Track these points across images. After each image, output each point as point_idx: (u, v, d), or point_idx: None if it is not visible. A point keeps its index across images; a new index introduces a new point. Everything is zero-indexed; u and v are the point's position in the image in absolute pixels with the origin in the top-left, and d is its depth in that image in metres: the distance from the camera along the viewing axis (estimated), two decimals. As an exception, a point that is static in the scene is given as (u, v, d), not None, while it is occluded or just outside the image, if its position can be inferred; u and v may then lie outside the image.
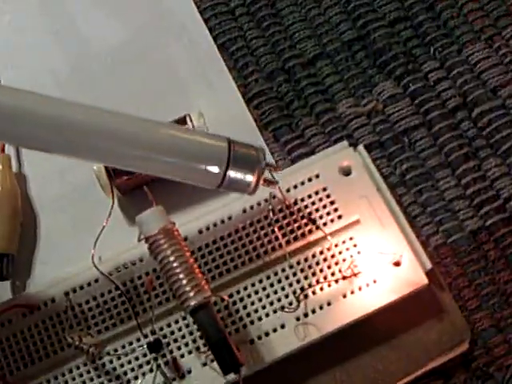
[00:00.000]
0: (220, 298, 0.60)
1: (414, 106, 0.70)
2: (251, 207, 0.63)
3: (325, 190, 0.63)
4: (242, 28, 0.73)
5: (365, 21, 0.73)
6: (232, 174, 0.53)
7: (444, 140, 0.68)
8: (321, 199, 0.63)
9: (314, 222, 0.62)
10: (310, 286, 0.60)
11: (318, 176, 0.64)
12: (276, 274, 0.61)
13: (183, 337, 0.60)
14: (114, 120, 0.52)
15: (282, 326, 0.60)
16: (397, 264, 0.61)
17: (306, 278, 0.61)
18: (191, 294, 0.55)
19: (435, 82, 0.71)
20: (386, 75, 0.71)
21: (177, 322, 0.60)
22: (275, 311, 0.60)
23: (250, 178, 0.54)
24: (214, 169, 0.53)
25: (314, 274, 0.61)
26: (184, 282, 0.55)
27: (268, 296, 0.61)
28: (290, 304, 0.60)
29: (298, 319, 0.60)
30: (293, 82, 0.71)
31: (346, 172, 0.64)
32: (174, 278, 0.55)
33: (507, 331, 0.63)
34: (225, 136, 0.55)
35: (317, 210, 0.63)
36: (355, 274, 0.60)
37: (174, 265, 0.55)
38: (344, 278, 0.60)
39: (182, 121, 0.64)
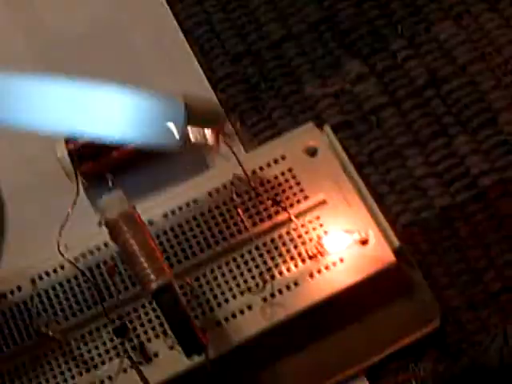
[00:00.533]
0: (182, 280, 0.59)
1: (382, 85, 0.69)
2: (216, 190, 0.62)
3: (290, 170, 0.62)
4: (208, 12, 0.72)
5: (331, 1, 0.72)
6: (191, 128, 0.53)
7: (412, 118, 0.67)
8: (287, 180, 0.62)
9: (278, 203, 0.61)
10: (276, 266, 0.59)
11: (283, 157, 0.63)
12: (242, 256, 0.60)
13: (150, 321, 0.59)
14: None
15: (249, 308, 0.59)
16: (364, 242, 0.60)
17: (272, 259, 0.60)
18: (152, 276, 0.53)
19: (403, 60, 0.70)
20: (353, 55, 0.70)
21: (143, 306, 0.59)
22: (242, 293, 0.59)
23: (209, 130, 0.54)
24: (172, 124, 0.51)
25: (280, 255, 0.60)
26: (145, 265, 0.53)
27: (234, 278, 0.60)
28: (257, 286, 0.59)
29: (264, 300, 0.59)
30: (259, 64, 0.70)
31: (312, 152, 0.63)
32: (134, 261, 0.54)
33: (479, 308, 0.62)
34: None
35: (283, 191, 0.62)
36: (322, 254, 0.59)
37: (135, 248, 0.54)
38: (310, 257, 0.59)
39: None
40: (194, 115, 0.52)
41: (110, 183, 0.57)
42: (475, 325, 0.62)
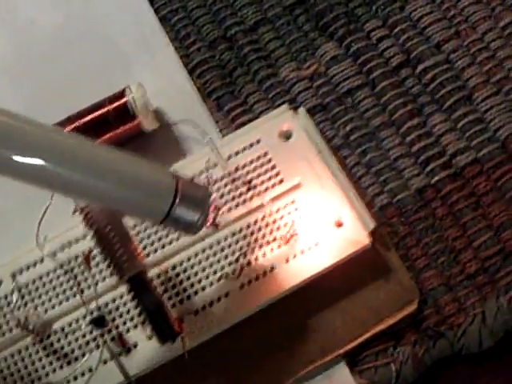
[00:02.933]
0: (156, 267, 0.56)
1: (357, 66, 0.65)
2: (192, 177, 0.57)
3: (266, 154, 0.59)
4: (184, -1, 0.67)
5: (305, -16, 0.67)
6: (177, 211, 0.47)
7: (388, 98, 0.63)
8: (262, 164, 0.58)
9: (249, 189, 0.57)
10: (252, 252, 0.56)
11: (258, 141, 0.59)
12: (219, 242, 0.56)
13: (128, 311, 0.56)
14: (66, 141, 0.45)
15: (226, 295, 0.55)
16: (339, 225, 0.56)
17: (248, 244, 0.56)
18: (126, 264, 0.51)
19: (378, 40, 0.65)
20: (327, 37, 0.66)
21: (121, 296, 0.56)
22: (219, 280, 0.56)
23: (195, 217, 0.48)
24: (159, 204, 0.47)
25: (256, 241, 0.56)
26: (119, 253, 0.52)
27: (211, 265, 0.56)
28: (234, 272, 0.56)
29: (241, 287, 0.56)
30: (235, 49, 0.66)
31: (287, 136, 0.59)
32: (109, 248, 0.52)
33: (457, 289, 0.58)
34: (174, 172, 0.48)
35: (258, 176, 0.58)
36: (296, 238, 0.55)
37: (109, 235, 0.52)
38: (286, 242, 0.55)
39: (120, 93, 0.59)
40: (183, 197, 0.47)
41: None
42: (453, 307, 0.58)
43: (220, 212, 0.55)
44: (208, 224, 0.50)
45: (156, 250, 0.56)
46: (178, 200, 0.46)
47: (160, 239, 0.56)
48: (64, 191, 0.45)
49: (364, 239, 0.56)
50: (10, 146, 0.41)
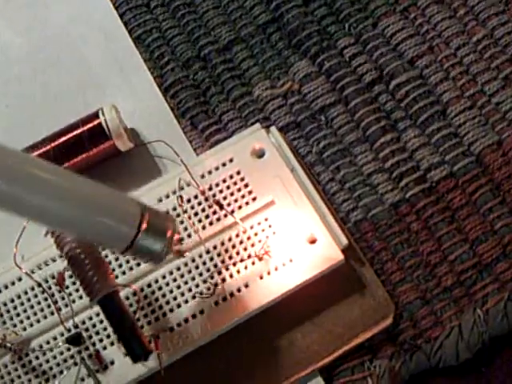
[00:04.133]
0: (127, 287, 0.62)
1: (330, 84, 0.71)
2: (166, 196, 0.65)
3: (239, 173, 0.65)
4: (157, 19, 0.75)
5: (278, 2, 0.74)
6: (141, 242, 0.52)
7: (361, 115, 0.70)
8: (235, 183, 0.65)
9: (223, 207, 0.63)
10: (226, 269, 0.62)
11: (231, 160, 0.65)
12: (193, 260, 0.63)
13: (105, 329, 0.62)
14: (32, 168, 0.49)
15: (201, 312, 0.62)
16: (312, 242, 0.62)
17: (222, 262, 0.62)
18: (97, 285, 0.55)
19: (350, 57, 0.72)
20: (301, 55, 0.73)
21: (98, 314, 0.62)
22: (194, 297, 0.62)
23: (159, 247, 0.53)
24: (124, 235, 0.52)
25: (230, 258, 0.62)
26: (90, 273, 0.56)
27: (186, 283, 0.62)
28: (209, 289, 0.62)
29: (216, 303, 0.62)
30: (209, 68, 0.73)
31: (259, 154, 0.65)
32: (79, 269, 0.56)
33: (433, 303, 0.64)
34: (140, 202, 0.53)
35: (231, 194, 0.64)
36: (270, 255, 0.62)
37: (80, 257, 0.56)
38: (260, 259, 0.62)
39: (94, 115, 0.66)
40: (148, 227, 0.52)
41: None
42: (429, 320, 0.64)
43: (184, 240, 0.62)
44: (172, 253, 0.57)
45: (131, 268, 0.62)
46: (142, 230, 0.51)
47: (134, 258, 0.63)
48: (29, 217, 0.49)
49: (338, 255, 0.61)
50: None
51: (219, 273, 0.62)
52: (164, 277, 0.62)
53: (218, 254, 0.62)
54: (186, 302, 0.62)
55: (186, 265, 0.62)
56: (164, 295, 0.62)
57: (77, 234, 0.54)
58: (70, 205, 0.49)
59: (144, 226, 0.51)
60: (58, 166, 0.50)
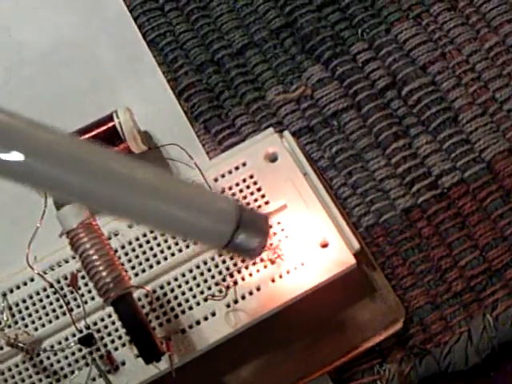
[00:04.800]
0: (141, 289, 0.62)
1: (343, 89, 0.72)
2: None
3: (252, 177, 0.66)
4: (171, 23, 0.76)
5: (292, 7, 0.75)
6: (239, 239, 0.53)
7: (373, 120, 0.71)
8: (248, 187, 0.65)
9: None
10: (239, 272, 0.63)
11: (244, 164, 0.66)
12: (205, 262, 0.64)
13: (116, 330, 0.63)
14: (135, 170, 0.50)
15: (213, 314, 0.62)
16: (324, 246, 0.63)
17: (235, 264, 0.63)
18: (111, 285, 0.56)
19: (363, 63, 0.73)
20: (314, 60, 0.74)
21: (110, 316, 0.63)
22: (206, 300, 0.63)
23: (255, 244, 0.54)
24: (223, 233, 0.53)
25: (243, 261, 0.63)
26: (104, 274, 0.56)
27: (198, 285, 0.63)
28: (220, 292, 0.63)
29: (228, 306, 0.62)
30: (222, 73, 0.74)
31: (272, 159, 0.66)
32: (93, 270, 0.57)
33: (443, 308, 0.65)
34: (235, 201, 0.55)
35: (244, 198, 0.65)
36: (282, 258, 0.62)
37: (94, 258, 0.57)
38: (272, 262, 0.62)
39: (109, 117, 0.67)
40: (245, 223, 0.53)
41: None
42: (439, 325, 0.65)
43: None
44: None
45: (144, 271, 0.63)
46: (239, 228, 0.52)
47: (148, 260, 0.63)
48: (132, 219, 0.52)
49: (349, 259, 0.62)
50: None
51: (231, 275, 0.63)
52: (176, 279, 0.63)
53: (231, 257, 0.63)
54: (198, 304, 0.63)
55: (198, 267, 0.63)
56: (176, 297, 0.63)
57: (179, 234, 0.56)
58: (172, 205, 0.50)
59: (241, 224, 0.52)
60: (157, 169, 0.51)
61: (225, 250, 0.53)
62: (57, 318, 0.64)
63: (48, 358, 0.63)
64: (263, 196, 0.65)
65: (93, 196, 0.47)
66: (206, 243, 0.57)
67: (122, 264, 0.64)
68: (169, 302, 0.63)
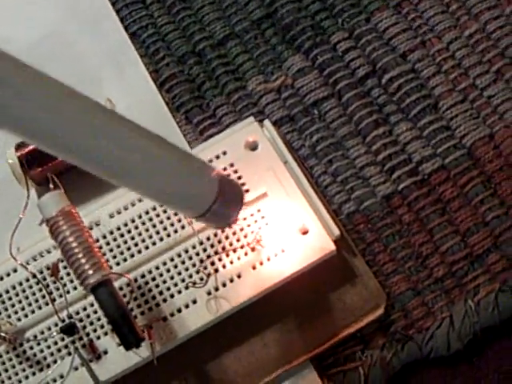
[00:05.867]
0: (122, 276, 0.63)
1: (323, 78, 0.73)
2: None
3: (232, 165, 0.67)
4: (153, 15, 0.77)
5: (273, -3, 0.76)
6: (217, 208, 0.53)
7: (354, 109, 0.71)
8: (229, 175, 0.66)
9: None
10: (219, 260, 0.64)
11: (225, 153, 0.67)
12: (186, 251, 0.64)
13: (99, 319, 0.64)
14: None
15: (194, 302, 0.63)
16: (305, 233, 0.64)
17: (216, 253, 0.64)
18: (90, 272, 0.57)
19: (343, 52, 0.74)
20: (294, 50, 0.74)
21: (92, 305, 0.64)
22: (187, 287, 0.63)
23: (231, 212, 0.55)
24: (203, 202, 0.53)
25: (223, 249, 0.64)
26: (83, 261, 0.57)
27: (179, 273, 0.64)
28: (202, 279, 0.63)
29: (209, 293, 0.63)
30: (204, 63, 0.75)
31: (253, 147, 0.67)
32: (73, 258, 0.58)
33: (425, 293, 0.66)
34: (213, 169, 0.54)
35: (225, 186, 0.66)
36: (263, 245, 0.63)
37: (73, 245, 0.58)
38: (253, 249, 0.63)
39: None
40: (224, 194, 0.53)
41: (51, 184, 0.61)
42: (421, 311, 0.65)
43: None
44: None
45: (126, 260, 0.64)
46: (218, 198, 0.53)
47: (129, 249, 0.64)
48: (121, 182, 0.50)
49: (329, 246, 0.63)
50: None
51: (212, 263, 0.64)
52: (158, 267, 0.64)
53: (211, 245, 0.64)
54: (180, 292, 0.63)
55: (179, 255, 0.64)
56: (157, 285, 0.64)
57: (155, 199, 0.55)
58: (155, 170, 0.50)
59: (220, 193, 0.53)
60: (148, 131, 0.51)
61: (200, 218, 0.53)
62: (39, 308, 0.65)
63: (31, 347, 0.64)
64: (244, 184, 0.66)
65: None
66: (183, 212, 0.58)
67: (104, 253, 0.65)
68: (150, 290, 0.64)
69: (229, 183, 0.54)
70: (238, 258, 0.64)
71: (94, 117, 0.47)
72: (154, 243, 0.65)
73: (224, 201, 0.53)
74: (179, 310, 0.63)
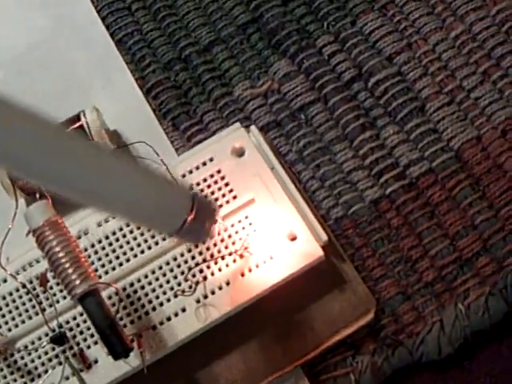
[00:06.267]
0: (108, 286, 0.62)
1: (309, 82, 0.73)
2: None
3: (219, 172, 0.67)
4: (139, 22, 0.77)
5: (257, 2, 0.76)
6: (190, 226, 0.53)
7: (340, 113, 0.71)
8: (216, 182, 0.66)
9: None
10: (208, 267, 0.64)
11: (212, 159, 0.67)
12: (175, 258, 0.64)
13: (88, 328, 0.64)
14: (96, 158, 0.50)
15: (183, 310, 0.63)
16: (293, 239, 0.64)
17: (204, 260, 0.64)
18: (77, 282, 0.57)
19: (329, 55, 0.74)
20: (280, 54, 0.75)
21: (81, 314, 0.64)
22: (176, 295, 0.63)
23: (204, 230, 0.55)
24: (175, 220, 0.53)
25: (211, 256, 0.64)
26: (70, 270, 0.57)
27: (168, 281, 0.64)
28: (190, 287, 0.63)
29: (198, 301, 0.63)
30: (190, 69, 0.75)
31: (239, 153, 0.67)
32: (60, 268, 0.58)
33: (415, 298, 0.66)
34: (187, 187, 0.57)
35: (212, 193, 0.66)
36: (251, 252, 0.63)
37: (60, 255, 0.58)
38: (241, 256, 0.63)
39: (76, 118, 0.68)
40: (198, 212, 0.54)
41: (38, 194, 0.61)
42: (411, 315, 0.65)
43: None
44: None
45: (114, 268, 0.64)
46: (192, 216, 0.53)
47: (118, 258, 0.64)
48: (89, 202, 0.52)
49: (317, 252, 0.63)
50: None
51: (200, 271, 0.64)
52: (146, 276, 0.64)
53: (200, 252, 0.64)
54: (168, 300, 0.63)
55: (167, 263, 0.64)
56: (146, 294, 0.64)
57: (128, 219, 0.56)
58: (124, 190, 0.50)
59: (194, 212, 0.53)
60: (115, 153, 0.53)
61: (174, 236, 0.54)
62: (30, 317, 0.64)
63: (22, 357, 0.64)
64: (231, 191, 0.66)
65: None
66: (156, 230, 0.58)
67: (92, 262, 0.65)
68: (139, 299, 0.64)
69: (201, 200, 0.54)
70: (227, 265, 0.63)
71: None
72: (142, 251, 0.65)
73: (197, 218, 0.53)
74: (169, 319, 0.63)
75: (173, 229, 0.53)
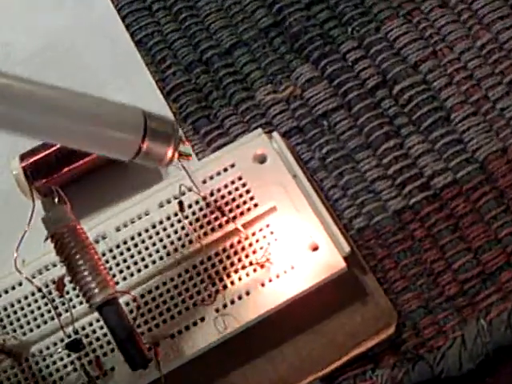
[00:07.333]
0: (126, 294, 0.61)
1: (333, 88, 0.72)
2: (168, 201, 0.65)
3: (240, 179, 0.65)
4: (159, 23, 0.76)
5: (280, 5, 0.75)
6: (148, 144, 0.54)
7: (364, 120, 0.70)
8: (237, 189, 0.65)
9: (223, 213, 0.64)
10: (228, 276, 0.62)
11: (233, 165, 0.66)
12: (195, 267, 0.63)
13: (105, 335, 0.62)
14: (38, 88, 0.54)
15: (202, 319, 0.62)
16: (314, 249, 0.62)
17: (224, 269, 0.63)
18: (96, 290, 0.56)
19: (353, 62, 0.73)
20: (303, 59, 0.73)
21: (98, 320, 0.63)
22: (195, 304, 0.62)
23: (165, 148, 0.55)
24: (131, 138, 0.54)
25: (232, 265, 0.63)
26: (88, 279, 0.56)
27: (187, 290, 0.63)
28: (210, 296, 0.62)
29: (217, 311, 0.62)
30: (211, 72, 0.74)
31: (261, 160, 0.66)
32: (78, 275, 0.57)
33: (436, 312, 0.65)
34: (140, 108, 0.56)
35: (233, 200, 0.65)
36: (272, 262, 0.62)
37: (79, 262, 0.57)
38: (261, 266, 0.62)
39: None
40: (152, 129, 0.54)
41: (56, 198, 0.60)
42: (432, 329, 0.64)
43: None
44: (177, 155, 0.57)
45: (132, 275, 0.63)
46: (147, 135, 0.53)
47: (136, 263, 0.63)
48: (40, 136, 0.52)
49: (339, 263, 0.62)
50: None
51: (220, 280, 0.63)
52: (165, 283, 0.63)
53: (220, 261, 0.63)
54: (187, 308, 0.62)
55: (187, 271, 0.63)
56: (165, 302, 0.63)
57: (86, 147, 0.55)
58: (78, 119, 0.52)
59: (148, 131, 0.53)
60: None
61: (135, 159, 0.54)
62: (45, 322, 0.63)
63: (36, 363, 0.63)
64: (252, 198, 0.65)
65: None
66: (116, 156, 0.57)
67: (110, 268, 0.64)
68: (158, 306, 0.63)
69: (157, 120, 0.55)
70: (247, 275, 0.62)
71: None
72: (161, 258, 0.63)
73: (153, 140, 0.54)
74: (187, 328, 0.62)
75: (131, 154, 0.54)
